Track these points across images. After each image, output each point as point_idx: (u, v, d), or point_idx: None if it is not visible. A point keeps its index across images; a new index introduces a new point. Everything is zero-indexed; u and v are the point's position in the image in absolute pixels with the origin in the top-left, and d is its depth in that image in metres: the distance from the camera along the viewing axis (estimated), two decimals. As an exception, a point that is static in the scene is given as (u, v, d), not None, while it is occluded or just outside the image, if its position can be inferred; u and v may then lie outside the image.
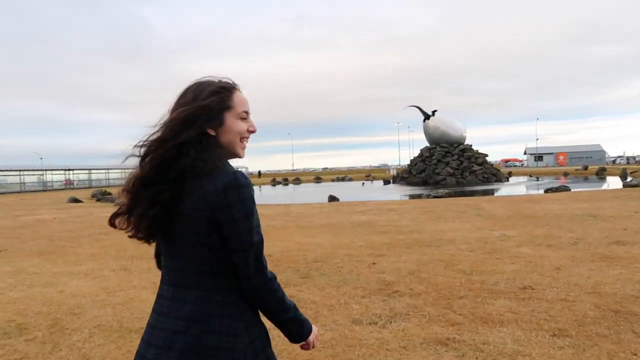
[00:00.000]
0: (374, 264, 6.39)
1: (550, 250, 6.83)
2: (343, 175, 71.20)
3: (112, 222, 1.41)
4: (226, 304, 1.33)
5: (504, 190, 32.56)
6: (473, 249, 7.22)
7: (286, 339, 1.47)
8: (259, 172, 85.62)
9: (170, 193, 1.30)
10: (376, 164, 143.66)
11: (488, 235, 8.43)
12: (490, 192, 30.31)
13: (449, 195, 22.59)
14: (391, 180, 49.95)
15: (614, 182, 35.33)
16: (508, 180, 45.34)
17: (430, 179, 44.29)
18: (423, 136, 49.01)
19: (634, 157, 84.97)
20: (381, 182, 50.67)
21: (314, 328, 1.51)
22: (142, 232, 1.37)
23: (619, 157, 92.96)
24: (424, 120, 48.67)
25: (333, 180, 63.11)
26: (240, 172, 1.32)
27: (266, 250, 4.26)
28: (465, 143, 48.34)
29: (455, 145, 47.12)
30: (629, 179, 33.29)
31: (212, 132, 1.37)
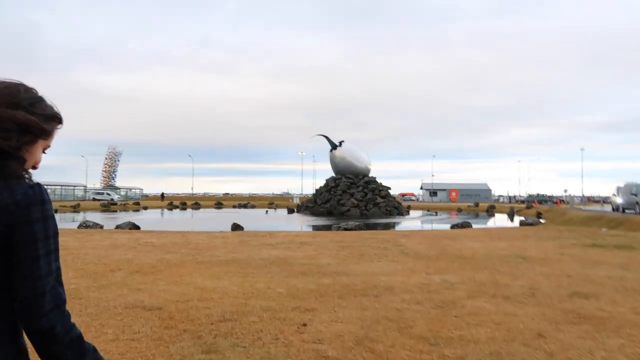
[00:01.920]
0: (304, 325, 4.73)
1: (512, 305, 5.69)
2: (245, 202, 68.80)
3: None
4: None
5: (408, 224, 32.73)
6: (419, 301, 5.88)
7: None
8: (162, 194, 79.88)
9: None
10: (278, 192, 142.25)
11: (428, 282, 7.19)
12: (393, 226, 30.23)
13: (359, 227, 21.67)
14: (295, 210, 48.68)
15: (503, 219, 37.29)
16: (409, 214, 46.36)
17: (335, 210, 43.74)
18: (326, 167, 49.15)
19: (514, 197, 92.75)
20: (285, 211, 49.22)
21: None
22: None
23: (501, 196, 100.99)
24: (331, 150, 48.46)
25: (235, 207, 60.51)
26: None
27: (155, 298, 4.41)
28: (370, 175, 48.87)
29: (361, 176, 47.32)
30: (519, 218, 35.26)
31: (22, 147, 1.21)
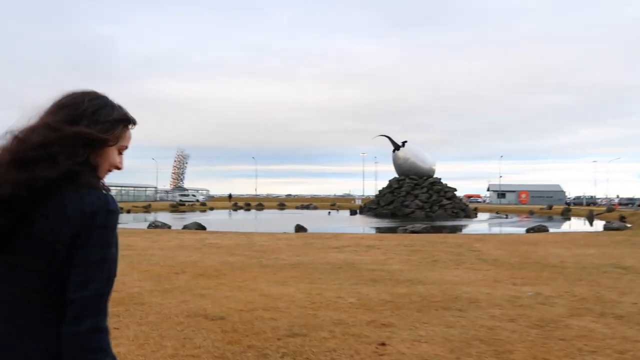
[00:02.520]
0: (382, 344, 4.13)
1: (629, 327, 4.78)
2: (307, 203, 68.99)
3: None
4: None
5: (477, 226, 31.13)
6: (512, 318, 5.10)
7: None
8: (230, 195, 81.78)
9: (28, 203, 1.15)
10: (340, 193, 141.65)
11: (517, 294, 6.35)
12: (461, 228, 28.83)
13: (427, 230, 20.71)
14: (358, 211, 47.98)
15: (579, 224, 34.55)
16: (476, 216, 44.31)
17: (398, 211, 42.64)
18: (387, 168, 48.08)
19: (592, 198, 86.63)
20: (347, 212, 48.65)
21: None
22: None
23: (577, 197, 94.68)
24: (394, 151, 47.39)
25: (297, 208, 60.77)
26: (111, 196, 1.22)
27: (218, 305, 4.33)
28: (434, 176, 47.26)
29: (425, 177, 45.87)
30: (600, 221, 32.50)
31: (93, 155, 1.25)
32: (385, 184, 48.12)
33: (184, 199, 74.84)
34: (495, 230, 26.45)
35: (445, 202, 43.78)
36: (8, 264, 1.19)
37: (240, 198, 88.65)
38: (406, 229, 20.79)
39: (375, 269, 8.48)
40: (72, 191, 1.17)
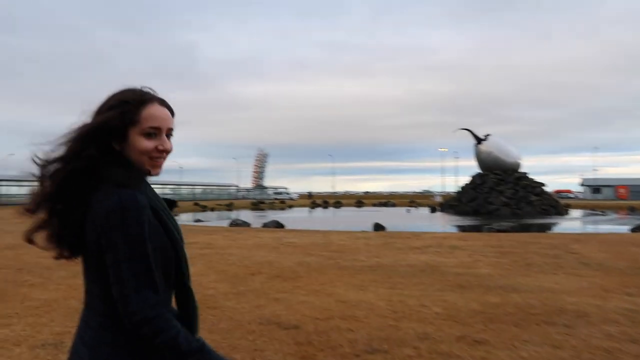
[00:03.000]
0: (477, 367, 3.58)
1: None
2: (385, 200, 67.98)
3: (30, 239, 1.33)
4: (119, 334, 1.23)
5: (571, 225, 28.71)
6: (634, 338, 4.30)
7: None
8: (309, 193, 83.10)
9: (75, 212, 1.24)
10: (418, 190, 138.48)
11: (634, 307, 5.44)
12: (550, 227, 26.71)
13: (515, 229, 19.31)
14: (438, 208, 46.36)
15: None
16: (568, 214, 41.09)
17: (482, 209, 40.57)
18: (469, 164, 45.88)
19: None
20: (427, 210, 47.19)
21: None
22: (65, 251, 1.32)
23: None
24: (476, 145, 45.21)
25: (375, 205, 60.04)
26: (128, 193, 1.21)
27: (292, 312, 4.09)
28: (520, 171, 44.46)
29: (510, 172, 43.30)
30: None
31: (116, 147, 1.29)
32: (466, 180, 46.20)
33: (278, 197, 77.58)
34: (593, 229, 24.15)
35: (533, 198, 41.06)
36: (83, 264, 1.31)
37: (318, 196, 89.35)
38: (492, 228, 19.53)
39: (462, 272, 7.80)
40: (102, 191, 1.21)
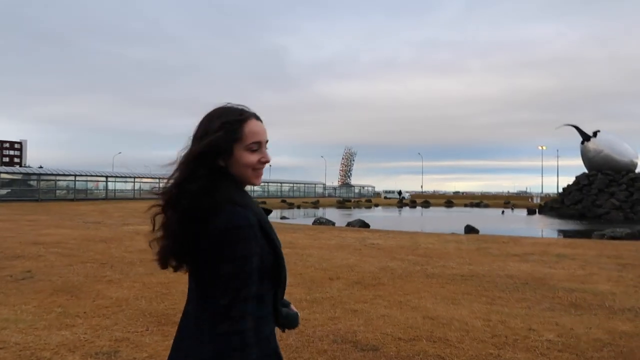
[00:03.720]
0: None
1: None
2: (477, 201, 64.54)
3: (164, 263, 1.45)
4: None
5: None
6: None
7: None
8: (400, 192, 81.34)
9: (190, 231, 1.32)
10: (514, 191, 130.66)
11: None
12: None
13: (634, 236, 16.93)
14: (537, 210, 42.92)
15: None
16: (695, 220, 36.01)
17: (588, 212, 36.88)
18: (572, 163, 42.26)
19: None
20: (524, 212, 43.90)
21: None
22: (172, 262, 1.41)
23: None
24: (582, 142, 41.20)
25: (466, 206, 57.19)
26: (240, 211, 1.31)
27: (371, 328, 3.54)
28: (637, 171, 39.77)
29: (623, 173, 38.89)
30: None
31: (222, 164, 1.39)
32: (568, 180, 42.27)
33: (389, 195, 77.81)
34: None
35: (651, 201, 36.48)
36: (190, 272, 1.43)
37: (415, 195, 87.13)
38: (604, 234, 17.30)
39: (575, 288, 6.61)
40: (216, 208, 1.31)
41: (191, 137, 1.40)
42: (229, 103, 1.44)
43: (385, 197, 72.72)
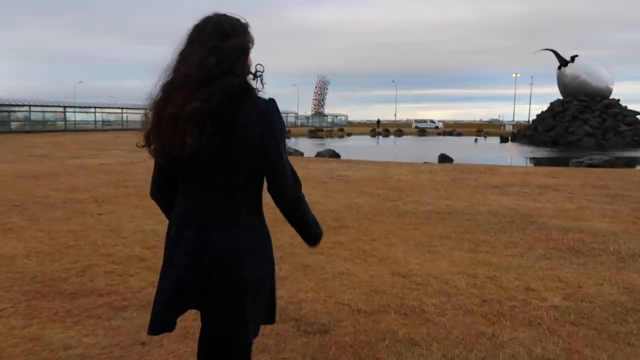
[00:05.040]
0: None
1: None
2: (450, 129, 64.00)
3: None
4: (261, 229, 1.51)
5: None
6: None
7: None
8: (378, 121, 79.16)
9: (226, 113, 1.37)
10: (486, 119, 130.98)
11: None
12: (621, 160, 23.09)
13: (612, 163, 16.33)
14: (509, 138, 42.53)
15: None
16: (664, 146, 36.23)
17: (561, 139, 36.58)
18: (545, 91, 41.24)
19: None
20: (497, 140, 43.47)
21: None
22: (188, 159, 1.38)
23: None
24: (559, 68, 40.15)
25: (439, 134, 56.55)
26: (273, 100, 1.45)
27: (322, 293, 3.12)
28: (611, 97, 39.27)
29: (598, 99, 38.34)
30: None
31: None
32: (540, 109, 41.63)
33: (420, 125, 74.03)
34: None
35: (623, 128, 36.38)
36: (208, 167, 1.41)
37: (389, 124, 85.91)
38: (581, 162, 16.65)
39: (569, 227, 5.66)
40: (246, 98, 1.40)
41: (205, 29, 1.42)
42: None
43: (417, 127, 68.75)
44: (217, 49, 1.36)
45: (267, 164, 1.41)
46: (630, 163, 20.11)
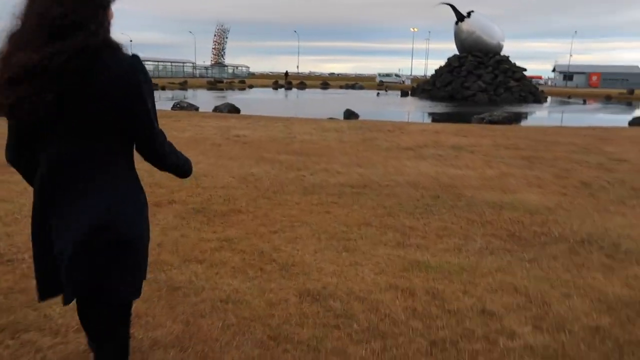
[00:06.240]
0: None
1: None
2: (352, 83, 63.95)
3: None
4: (136, 189, 1.47)
5: (560, 115, 26.31)
6: None
7: None
8: (286, 73, 75.43)
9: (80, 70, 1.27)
10: (386, 72, 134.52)
11: None
12: (523, 116, 24.39)
13: (509, 120, 16.54)
14: (409, 92, 43.16)
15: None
16: (547, 101, 38.91)
17: (457, 94, 37.65)
18: (441, 46, 42.35)
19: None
20: (397, 93, 44.01)
21: None
22: (39, 120, 1.29)
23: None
24: (457, 23, 40.85)
25: (342, 87, 56.13)
26: (136, 56, 1.37)
27: (195, 328, 2.32)
28: (502, 54, 40.99)
29: (491, 55, 39.79)
30: None
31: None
32: (436, 64, 42.49)
33: (385, 79, 68.47)
34: (599, 121, 21.36)
35: (512, 83, 38.28)
36: (66, 128, 1.32)
37: (281, 76, 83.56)
38: (483, 118, 16.69)
39: (500, 202, 4.90)
40: (109, 55, 1.31)
41: None
42: None
43: (381, 82, 62.65)
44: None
45: (137, 130, 1.39)
46: (521, 118, 20.79)
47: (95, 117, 1.30)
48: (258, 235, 3.73)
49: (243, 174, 5.94)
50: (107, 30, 1.33)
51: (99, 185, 1.35)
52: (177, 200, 4.63)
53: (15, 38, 1.28)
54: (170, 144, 1.48)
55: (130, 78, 1.31)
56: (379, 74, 78.37)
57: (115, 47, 1.32)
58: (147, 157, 1.45)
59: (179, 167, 1.54)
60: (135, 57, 1.34)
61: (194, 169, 1.60)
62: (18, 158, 1.43)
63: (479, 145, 9.15)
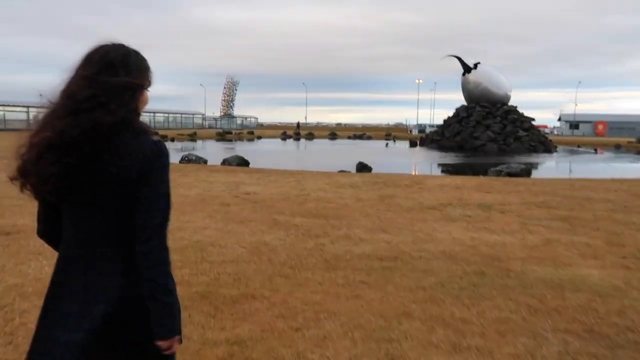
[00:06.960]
0: None
1: None
2: (360, 133, 64.11)
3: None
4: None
5: (577, 166, 25.70)
6: None
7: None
8: (298, 124, 75.94)
9: (91, 150, 1.28)
10: (392, 123, 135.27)
11: None
12: (540, 167, 23.81)
13: (527, 172, 15.94)
14: (418, 142, 42.91)
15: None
16: (557, 151, 38.44)
17: (467, 144, 37.32)
18: (446, 97, 42.69)
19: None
20: (406, 143, 43.80)
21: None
22: (51, 193, 1.31)
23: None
24: (464, 74, 41.11)
25: (350, 138, 56.14)
26: (162, 141, 1.37)
27: None
28: (509, 104, 40.97)
29: (498, 105, 39.77)
30: None
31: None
32: (442, 113, 42.67)
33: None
34: (612, 171, 20.83)
35: (521, 133, 38.01)
36: (78, 204, 1.34)
37: (289, 127, 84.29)
38: (500, 171, 16.08)
39: (557, 281, 4.16)
40: (130, 137, 1.31)
41: (93, 59, 1.35)
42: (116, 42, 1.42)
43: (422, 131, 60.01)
44: (95, 82, 1.31)
45: (140, 214, 1.33)
46: (538, 169, 20.17)
47: (99, 197, 1.32)
48: (277, 333, 3.01)
49: (255, 243, 5.26)
50: (131, 112, 1.34)
51: (106, 270, 1.35)
52: (179, 281, 3.93)
53: (43, 119, 1.33)
54: (165, 254, 1.34)
55: (150, 165, 1.31)
56: (415, 125, 76.55)
57: (138, 129, 1.33)
58: (137, 247, 1.33)
59: (153, 280, 1.33)
60: (159, 144, 1.35)
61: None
62: (47, 231, 1.45)
63: (507, 203, 8.46)
